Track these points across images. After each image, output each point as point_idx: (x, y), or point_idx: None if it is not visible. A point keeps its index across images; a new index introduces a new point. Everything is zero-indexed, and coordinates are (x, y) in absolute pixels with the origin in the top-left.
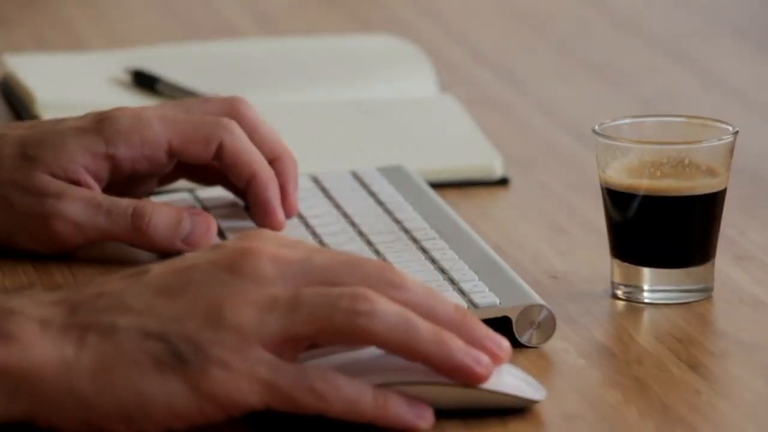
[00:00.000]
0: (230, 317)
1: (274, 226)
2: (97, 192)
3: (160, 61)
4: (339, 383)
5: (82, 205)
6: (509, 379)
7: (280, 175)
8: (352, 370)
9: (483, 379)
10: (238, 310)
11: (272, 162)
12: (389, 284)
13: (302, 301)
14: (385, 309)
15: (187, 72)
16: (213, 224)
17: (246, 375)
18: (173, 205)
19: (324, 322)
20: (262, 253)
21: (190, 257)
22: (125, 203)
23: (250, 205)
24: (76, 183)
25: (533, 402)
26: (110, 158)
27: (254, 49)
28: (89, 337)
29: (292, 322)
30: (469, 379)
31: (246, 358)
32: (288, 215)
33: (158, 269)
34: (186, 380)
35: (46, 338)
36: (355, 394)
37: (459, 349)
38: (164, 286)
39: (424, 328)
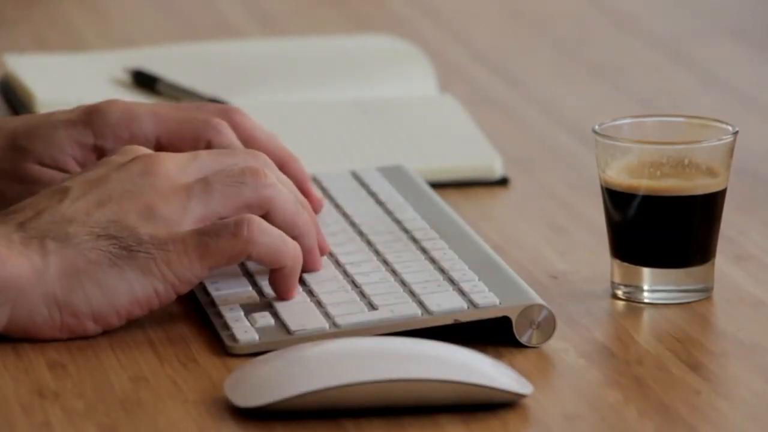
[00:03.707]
0: (158, 210)
1: None
2: None
3: (160, 61)
4: (263, 227)
5: None
6: (498, 376)
7: (293, 178)
8: (355, 362)
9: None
10: (162, 204)
11: (280, 168)
12: (266, 166)
13: (212, 183)
14: (276, 181)
15: (187, 72)
16: None
17: (182, 251)
18: None
19: (236, 198)
20: (161, 157)
21: (98, 172)
22: None
23: None
24: (65, 172)
25: (522, 396)
26: (98, 150)
27: (254, 49)
28: (49, 245)
29: (211, 202)
30: (314, 265)
31: (179, 239)
32: (317, 210)
33: (77, 187)
34: (138, 268)
35: (15, 252)
36: (277, 239)
37: (318, 236)
38: (92, 198)
39: (303, 205)
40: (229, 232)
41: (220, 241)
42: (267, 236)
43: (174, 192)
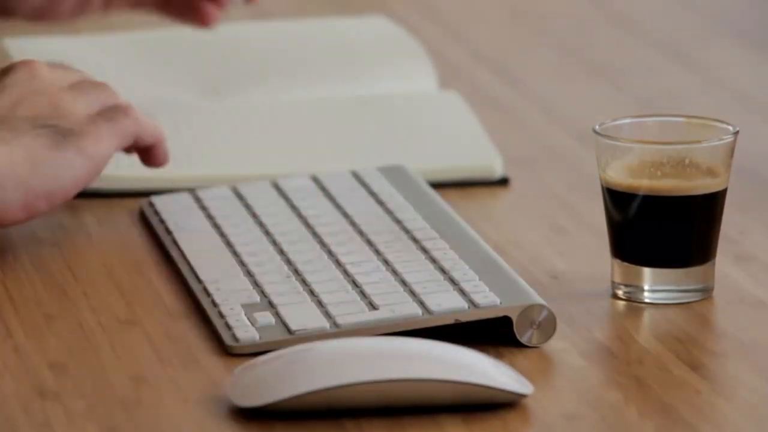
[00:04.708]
0: (62, 106)
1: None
2: None
3: (158, 47)
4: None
5: None
6: (499, 376)
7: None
8: (355, 362)
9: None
10: (62, 100)
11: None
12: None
13: (94, 81)
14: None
15: (184, 59)
16: None
17: (97, 133)
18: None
19: (110, 95)
20: (37, 63)
21: None
22: None
23: None
24: None
25: (522, 396)
26: None
27: (248, 34)
28: (5, 136)
29: (100, 95)
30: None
31: (92, 122)
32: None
33: None
34: (74, 150)
35: None
36: (147, 118)
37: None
38: (5, 100)
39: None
40: (121, 113)
41: (119, 122)
42: (142, 115)
43: (67, 86)
